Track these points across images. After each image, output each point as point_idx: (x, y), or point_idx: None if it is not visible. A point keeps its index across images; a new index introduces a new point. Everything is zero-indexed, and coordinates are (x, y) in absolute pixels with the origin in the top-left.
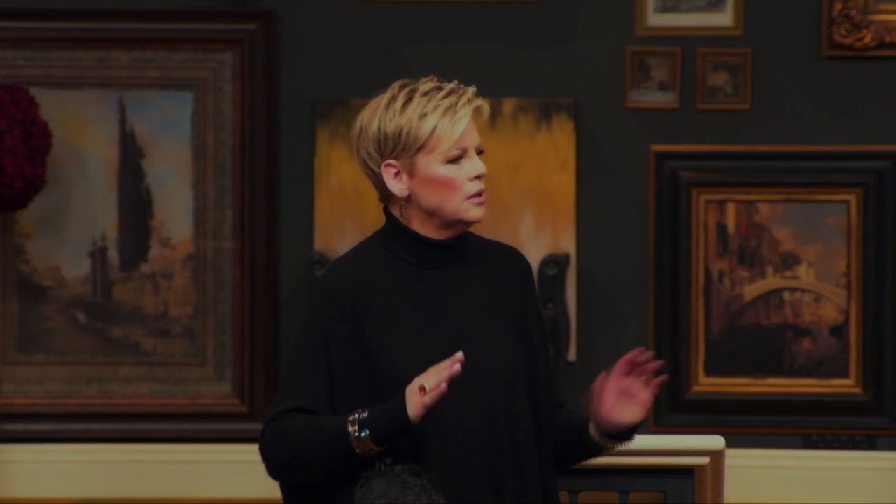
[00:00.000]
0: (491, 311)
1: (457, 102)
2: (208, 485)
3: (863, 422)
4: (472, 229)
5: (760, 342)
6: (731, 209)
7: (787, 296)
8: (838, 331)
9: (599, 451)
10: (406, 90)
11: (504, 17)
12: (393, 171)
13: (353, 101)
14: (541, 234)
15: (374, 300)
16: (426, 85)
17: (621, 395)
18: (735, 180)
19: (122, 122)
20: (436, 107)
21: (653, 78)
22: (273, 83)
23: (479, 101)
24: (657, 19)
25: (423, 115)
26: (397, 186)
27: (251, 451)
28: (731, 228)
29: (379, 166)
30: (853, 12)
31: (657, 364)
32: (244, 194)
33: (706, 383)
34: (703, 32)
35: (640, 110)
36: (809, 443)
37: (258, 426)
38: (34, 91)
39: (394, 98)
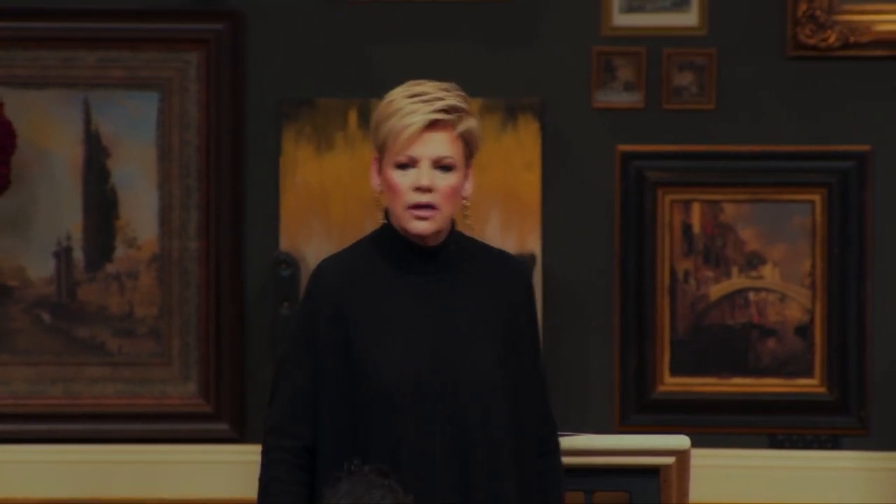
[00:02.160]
0: (476, 319)
1: (418, 110)
2: (174, 485)
3: (828, 421)
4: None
5: (726, 342)
6: (696, 209)
7: (752, 296)
8: (803, 330)
9: None
10: (404, 87)
11: (470, 17)
12: (376, 165)
13: (320, 100)
14: (507, 234)
15: (360, 301)
16: (422, 87)
17: None
18: (700, 180)
19: (87, 121)
20: (398, 110)
21: (618, 78)
22: (239, 83)
23: (445, 115)
24: (623, 19)
25: (388, 117)
26: (374, 180)
27: (217, 452)
28: (696, 228)
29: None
30: (818, 13)
31: None
32: (210, 194)
33: (671, 383)
34: (669, 32)
35: (606, 110)
36: (775, 442)
37: (224, 426)
38: None
39: (392, 93)
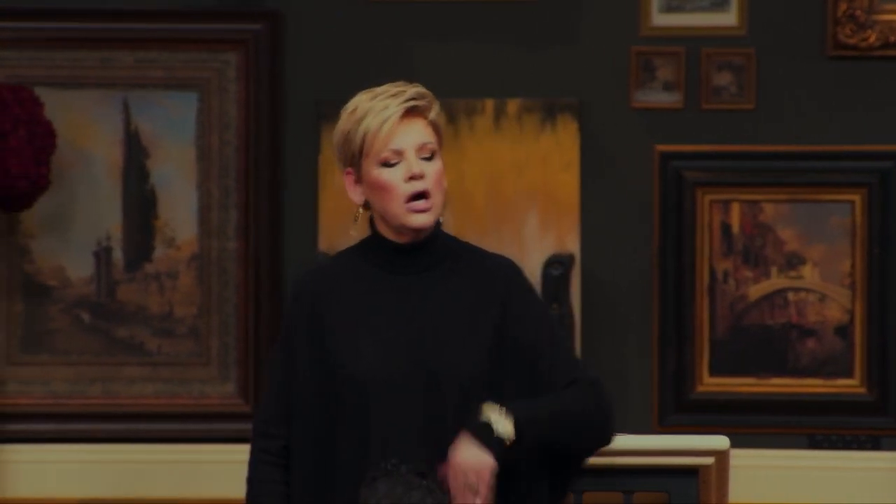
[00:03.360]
0: (456, 318)
1: (389, 105)
2: (213, 485)
3: (867, 422)
4: (471, 235)
5: (765, 342)
6: (735, 209)
7: (791, 296)
8: (843, 331)
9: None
10: (361, 95)
11: (508, 16)
12: (352, 178)
13: None
14: (545, 235)
15: (338, 302)
16: (380, 89)
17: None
18: (739, 180)
19: (127, 122)
20: (368, 110)
21: (657, 78)
22: (277, 83)
23: (417, 102)
24: (662, 19)
25: (360, 120)
26: (355, 193)
27: None
28: (735, 228)
29: (342, 173)
30: (858, 12)
31: None
32: (248, 194)
33: (711, 383)
34: (708, 32)
35: (645, 110)
36: (814, 443)
37: None
38: (38, 91)
39: (350, 104)
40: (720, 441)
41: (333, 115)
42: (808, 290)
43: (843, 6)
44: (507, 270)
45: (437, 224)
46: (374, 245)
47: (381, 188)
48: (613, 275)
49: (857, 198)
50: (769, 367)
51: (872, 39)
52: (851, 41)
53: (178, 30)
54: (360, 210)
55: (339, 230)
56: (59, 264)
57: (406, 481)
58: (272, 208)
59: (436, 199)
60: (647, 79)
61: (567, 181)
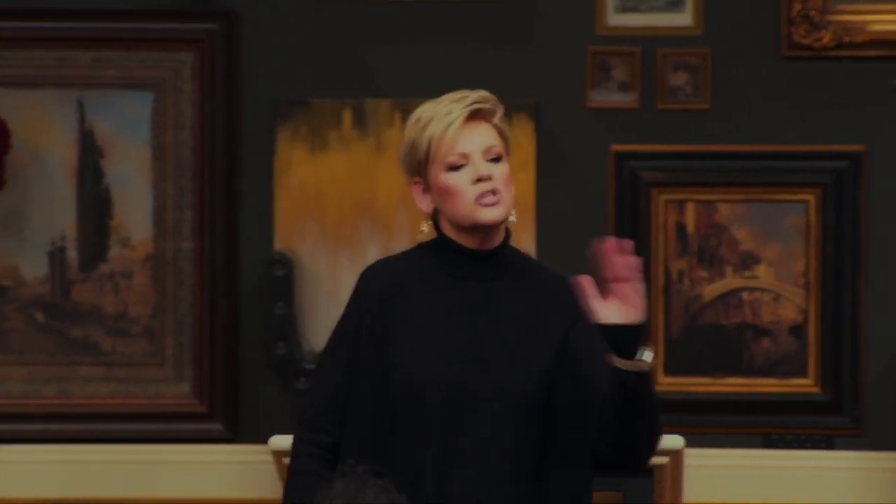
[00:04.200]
0: (518, 333)
1: (453, 109)
2: (168, 485)
3: (822, 421)
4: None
5: (720, 342)
6: (690, 209)
7: (746, 295)
8: (797, 330)
9: (629, 387)
10: (425, 105)
11: (464, 16)
12: (420, 188)
13: (314, 100)
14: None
15: (403, 302)
16: (443, 97)
17: (615, 299)
18: (695, 180)
19: (82, 121)
20: (432, 116)
21: (613, 78)
22: (233, 83)
23: (479, 105)
24: (617, 19)
25: (424, 127)
26: (423, 202)
27: (210, 452)
28: (690, 228)
29: (410, 185)
30: (812, 12)
31: (627, 247)
32: (204, 194)
33: (666, 383)
34: (663, 32)
35: (601, 110)
36: (768, 442)
37: (217, 426)
38: None
39: (414, 116)
40: (675, 441)
41: (289, 115)
42: (762, 290)
43: (797, 6)
44: (574, 291)
45: (506, 235)
46: (442, 247)
47: (448, 192)
48: (569, 274)
49: (811, 198)
50: (724, 367)
51: (826, 40)
52: (806, 41)
53: (133, 29)
54: (427, 225)
55: (295, 230)
56: (14, 264)
57: (361, 480)
58: (228, 208)
59: (505, 198)
60: (603, 79)
61: (523, 180)
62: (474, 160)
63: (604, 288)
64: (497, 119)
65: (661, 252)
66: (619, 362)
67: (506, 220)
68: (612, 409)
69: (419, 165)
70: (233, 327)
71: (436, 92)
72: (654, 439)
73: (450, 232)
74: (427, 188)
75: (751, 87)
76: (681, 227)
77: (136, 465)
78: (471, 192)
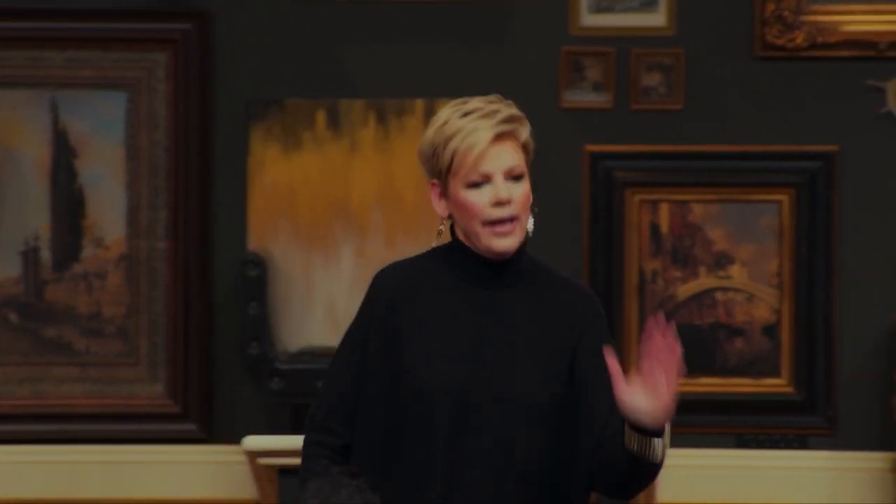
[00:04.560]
0: (529, 341)
1: (480, 126)
2: (142, 485)
3: (795, 421)
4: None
5: (693, 342)
6: (664, 209)
7: (719, 296)
8: (770, 330)
9: (641, 461)
10: (453, 109)
11: (439, 17)
12: (437, 191)
13: (288, 100)
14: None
15: (414, 306)
16: (473, 104)
17: (645, 389)
18: (669, 180)
19: (55, 121)
20: (459, 129)
21: (587, 78)
22: (207, 83)
23: (507, 126)
24: (591, 20)
25: (450, 139)
26: (440, 206)
27: (185, 452)
28: (664, 228)
29: (428, 183)
30: (785, 13)
31: (669, 329)
32: (178, 194)
33: None
34: (637, 33)
35: (575, 110)
36: (742, 442)
37: (191, 426)
38: None
39: (441, 117)
40: None
41: (263, 115)
42: (736, 290)
43: (770, 7)
44: (589, 302)
45: (524, 242)
46: (456, 253)
47: (466, 209)
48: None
49: (785, 198)
50: (697, 367)
51: (800, 40)
52: (779, 42)
53: (107, 29)
54: (444, 226)
55: (268, 230)
56: None
57: (335, 481)
58: (202, 208)
59: (522, 222)
60: (577, 79)
61: None
62: (495, 181)
63: (638, 368)
64: (524, 136)
65: (634, 252)
66: (631, 443)
67: (516, 246)
68: (612, 455)
69: (439, 172)
70: (206, 327)
71: (410, 93)
72: (646, 485)
73: (464, 238)
74: (444, 193)
75: (724, 87)
76: (655, 228)
77: (109, 466)
78: (487, 213)
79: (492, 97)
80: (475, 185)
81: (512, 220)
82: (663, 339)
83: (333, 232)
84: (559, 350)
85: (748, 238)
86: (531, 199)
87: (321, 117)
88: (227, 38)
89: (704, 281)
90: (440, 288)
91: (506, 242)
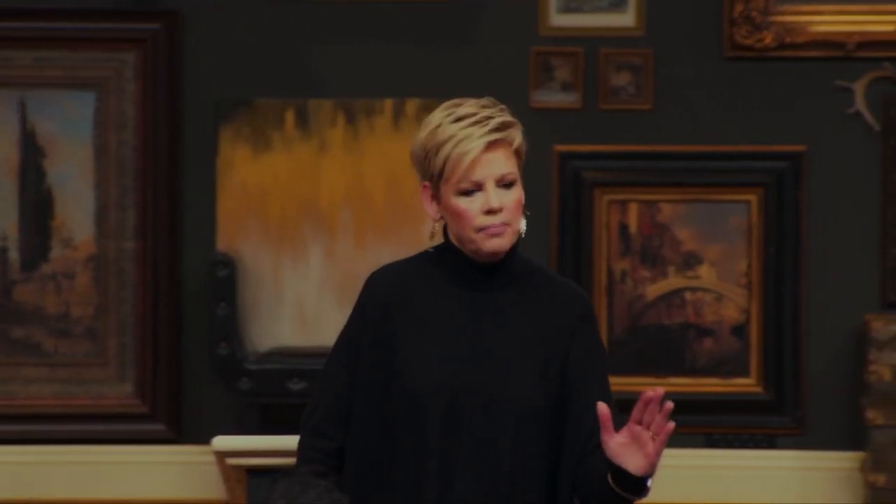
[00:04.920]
0: (522, 343)
1: (473, 134)
2: (111, 486)
3: (763, 421)
4: (372, 236)
5: (662, 342)
6: (633, 209)
7: (688, 295)
8: (739, 330)
9: (620, 496)
10: (445, 112)
11: (409, 17)
12: (428, 193)
13: (257, 101)
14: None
15: (407, 309)
16: (465, 109)
17: (631, 441)
18: (637, 180)
19: (23, 121)
20: (451, 136)
21: (556, 78)
22: (176, 83)
23: (500, 134)
24: (560, 20)
25: (442, 144)
26: (431, 208)
27: (153, 452)
28: (633, 228)
29: (420, 184)
30: (754, 13)
31: (667, 407)
32: (146, 195)
33: (609, 383)
34: (606, 33)
35: (544, 110)
36: (711, 442)
37: (160, 427)
38: None
39: (433, 120)
40: None
41: (232, 115)
42: (705, 290)
43: (739, 7)
44: (581, 303)
45: (516, 243)
46: (448, 255)
47: (457, 216)
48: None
49: (753, 198)
50: (666, 367)
51: (768, 40)
52: (748, 42)
53: (75, 29)
54: (436, 226)
55: (237, 230)
56: None
57: (304, 481)
58: (170, 209)
59: (513, 226)
60: (546, 79)
61: None
62: (487, 189)
63: (630, 428)
64: (517, 143)
65: (603, 252)
66: (614, 485)
67: (509, 247)
68: (593, 473)
69: (430, 176)
70: (175, 328)
71: (378, 93)
72: None
73: (456, 241)
74: (435, 197)
75: (693, 87)
76: (623, 228)
77: (78, 466)
78: (479, 220)
79: (484, 100)
80: (467, 192)
81: (503, 225)
82: (658, 416)
83: (302, 232)
84: (552, 351)
85: (717, 238)
86: (523, 204)
87: (290, 117)
88: (196, 38)
89: (673, 281)
90: (433, 291)
91: (496, 242)
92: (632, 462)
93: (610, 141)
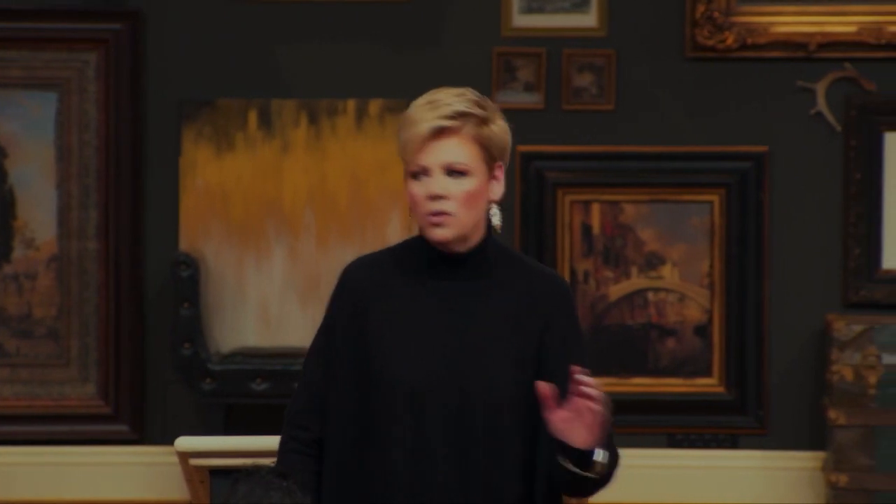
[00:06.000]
0: (494, 331)
1: (423, 118)
2: (74, 487)
3: (726, 421)
4: (335, 236)
5: (625, 342)
6: (596, 209)
7: (651, 296)
8: (702, 330)
9: (580, 480)
10: (424, 96)
11: (372, 17)
12: (406, 176)
13: (220, 101)
14: (408, 235)
15: (381, 301)
16: (436, 94)
17: (575, 416)
18: (600, 181)
19: None
20: (407, 118)
21: (518, 79)
22: (138, 83)
23: (447, 122)
24: (523, 20)
25: (401, 126)
26: (407, 194)
27: (116, 453)
28: (596, 229)
29: None
30: (715, 14)
31: (593, 393)
32: (109, 195)
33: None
34: (569, 33)
35: (507, 111)
36: (674, 442)
37: (123, 427)
38: None
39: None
40: None
41: (195, 115)
42: (667, 291)
43: (701, 8)
44: (557, 289)
45: (488, 232)
46: (419, 246)
47: (410, 199)
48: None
49: (715, 198)
50: (629, 367)
51: (730, 41)
52: (710, 43)
53: (37, 29)
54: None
55: (200, 230)
56: None
57: (266, 482)
58: (133, 209)
59: (460, 217)
60: (509, 79)
61: None
62: (433, 175)
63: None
64: (472, 132)
65: (566, 252)
66: (569, 465)
67: (456, 239)
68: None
69: (401, 158)
70: (138, 328)
71: (341, 93)
72: (594, 491)
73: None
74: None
75: (655, 88)
76: (586, 228)
77: (41, 468)
78: (424, 205)
79: (463, 89)
80: (415, 175)
81: (445, 213)
82: (585, 401)
83: (265, 232)
84: (525, 339)
85: (679, 238)
86: (479, 198)
87: (253, 117)
88: (158, 38)
89: (636, 281)
90: (405, 281)
91: (438, 232)
92: (575, 436)
93: (573, 141)
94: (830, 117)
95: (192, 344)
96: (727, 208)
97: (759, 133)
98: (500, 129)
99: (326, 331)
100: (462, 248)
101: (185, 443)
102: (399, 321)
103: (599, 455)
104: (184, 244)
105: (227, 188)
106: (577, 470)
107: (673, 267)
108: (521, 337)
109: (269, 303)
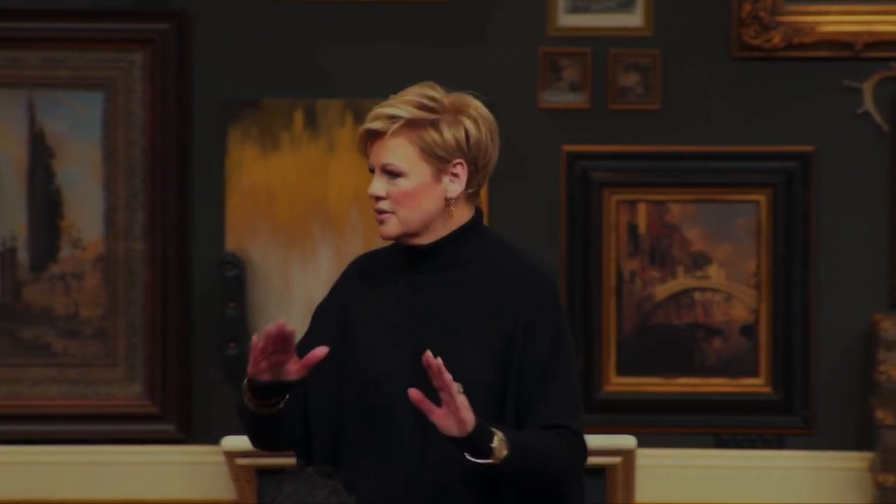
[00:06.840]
0: (467, 323)
1: (367, 118)
2: (120, 486)
3: (772, 421)
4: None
5: (671, 342)
6: (642, 209)
7: (697, 296)
8: (748, 330)
9: (495, 470)
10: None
11: (417, 17)
12: None
13: (266, 101)
14: None
15: (366, 293)
16: (405, 92)
17: (447, 409)
18: (646, 180)
19: (32, 122)
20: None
21: (564, 78)
22: (184, 83)
23: (380, 124)
24: (568, 20)
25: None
26: None
27: (163, 452)
28: (642, 229)
29: None
30: (762, 13)
31: (445, 378)
32: (155, 195)
33: (618, 383)
34: (614, 33)
35: (552, 111)
36: (720, 442)
37: (169, 427)
38: None
39: None
40: (627, 441)
41: (240, 115)
42: (714, 290)
43: (747, 7)
44: (537, 278)
45: (467, 225)
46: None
47: None
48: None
49: (762, 198)
50: (675, 367)
51: (776, 40)
52: (756, 42)
53: (84, 29)
54: None
55: (246, 230)
56: None
57: (311, 481)
58: (179, 209)
59: (399, 215)
60: (554, 79)
61: None
62: (377, 174)
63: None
64: (406, 132)
65: (612, 252)
66: (468, 456)
67: (402, 235)
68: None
69: None
70: (185, 328)
71: (386, 93)
72: (554, 484)
73: None
74: None
75: (701, 87)
76: (632, 228)
77: (87, 467)
78: (372, 202)
79: (425, 87)
80: (371, 171)
81: (383, 211)
82: (442, 390)
83: (311, 232)
84: (499, 331)
85: (726, 238)
86: (418, 197)
87: (299, 117)
88: (204, 38)
89: (682, 281)
90: (387, 274)
91: (381, 229)
92: (451, 427)
93: (618, 141)
94: (877, 117)
95: (237, 343)
96: (773, 208)
97: (806, 133)
98: (453, 128)
99: (313, 329)
100: (421, 241)
101: (231, 442)
102: (376, 311)
103: (494, 440)
104: (230, 244)
105: (272, 188)
106: (477, 460)
107: (719, 267)
108: (493, 328)
109: (314, 302)
